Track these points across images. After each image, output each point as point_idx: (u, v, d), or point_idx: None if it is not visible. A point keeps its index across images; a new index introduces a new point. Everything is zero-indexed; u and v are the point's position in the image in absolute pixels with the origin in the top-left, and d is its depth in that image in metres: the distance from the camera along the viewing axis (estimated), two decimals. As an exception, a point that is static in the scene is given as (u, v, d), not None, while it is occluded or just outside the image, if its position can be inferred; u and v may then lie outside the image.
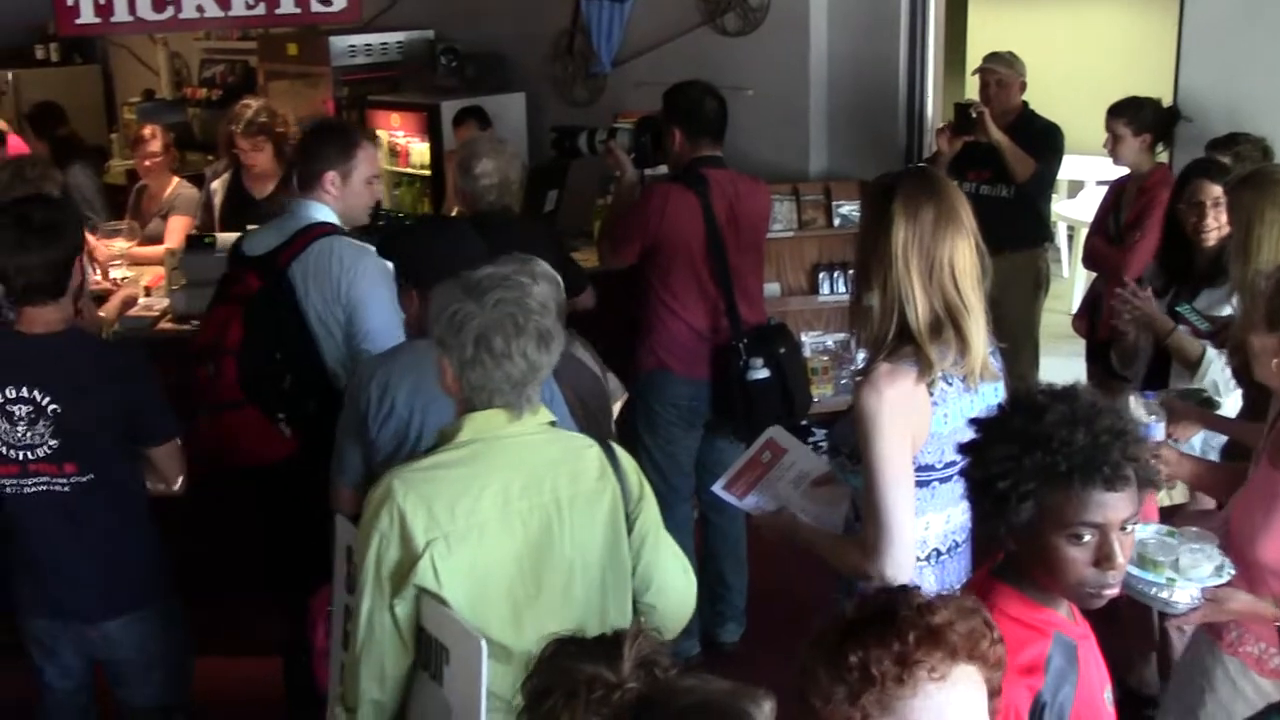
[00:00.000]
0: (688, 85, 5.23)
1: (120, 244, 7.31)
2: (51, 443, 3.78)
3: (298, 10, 7.52)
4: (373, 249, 4.30)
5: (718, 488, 3.71)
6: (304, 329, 4.40)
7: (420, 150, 7.88)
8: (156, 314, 6.33)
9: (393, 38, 8.53)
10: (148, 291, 6.65)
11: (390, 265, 4.00)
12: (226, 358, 4.52)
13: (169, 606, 4.12)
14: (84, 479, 3.83)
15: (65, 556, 3.96)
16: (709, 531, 5.46)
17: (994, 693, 1.96)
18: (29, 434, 3.76)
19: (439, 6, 8.72)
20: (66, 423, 3.77)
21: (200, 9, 7.41)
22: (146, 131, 7.63)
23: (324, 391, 4.29)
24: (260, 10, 7.49)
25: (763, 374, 5.06)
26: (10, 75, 11.38)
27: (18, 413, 3.74)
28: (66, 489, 3.83)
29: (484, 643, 2.67)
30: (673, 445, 5.27)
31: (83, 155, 8.81)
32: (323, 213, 4.50)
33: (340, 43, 8.25)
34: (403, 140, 8.03)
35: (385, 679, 2.89)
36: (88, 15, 7.35)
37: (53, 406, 3.74)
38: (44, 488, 3.82)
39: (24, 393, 3.74)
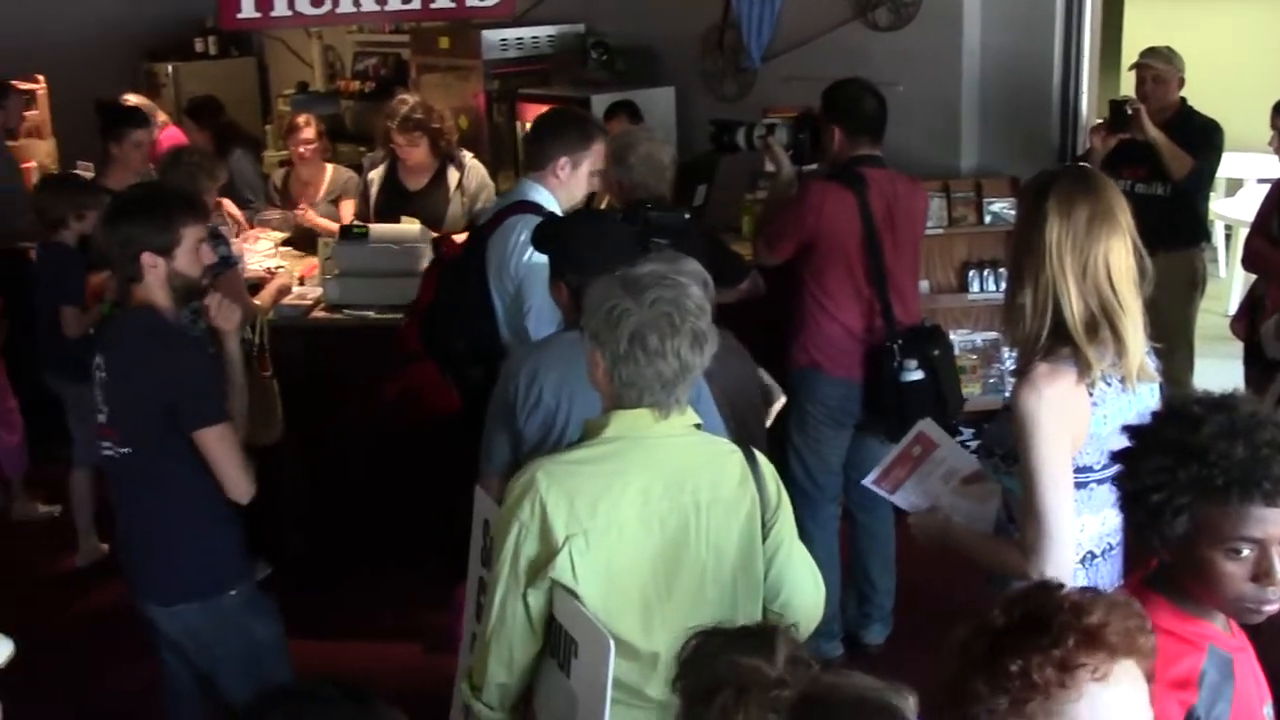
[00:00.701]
0: (847, 83, 5.20)
1: (275, 234, 7.50)
2: (104, 409, 3.99)
3: (452, 5, 7.57)
4: None
5: (868, 481, 3.71)
6: (484, 297, 4.58)
7: (569, 143, 7.91)
8: (310, 303, 6.46)
9: (543, 31, 8.58)
10: (301, 280, 6.79)
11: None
12: (417, 312, 4.85)
13: (228, 601, 4.08)
14: (125, 451, 3.97)
15: (124, 526, 4.16)
16: (856, 531, 5.44)
17: (1149, 679, 1.95)
18: (100, 397, 4.00)
19: (591, 1, 8.76)
20: (112, 393, 3.96)
21: (357, 3, 7.49)
22: (301, 119, 7.82)
23: (493, 361, 4.33)
24: (415, 5, 7.56)
25: (916, 375, 5.02)
26: (170, 68, 11.65)
27: (97, 377, 4.01)
28: (116, 457, 4.01)
29: (612, 643, 2.70)
30: (821, 445, 5.25)
31: (243, 143, 9.06)
32: (539, 194, 4.66)
33: (492, 36, 8.31)
34: (553, 134, 8.07)
35: (513, 665, 2.93)
36: (248, 10, 7.49)
37: (103, 375, 3.97)
38: (109, 453, 4.03)
39: (99, 358, 4.01)
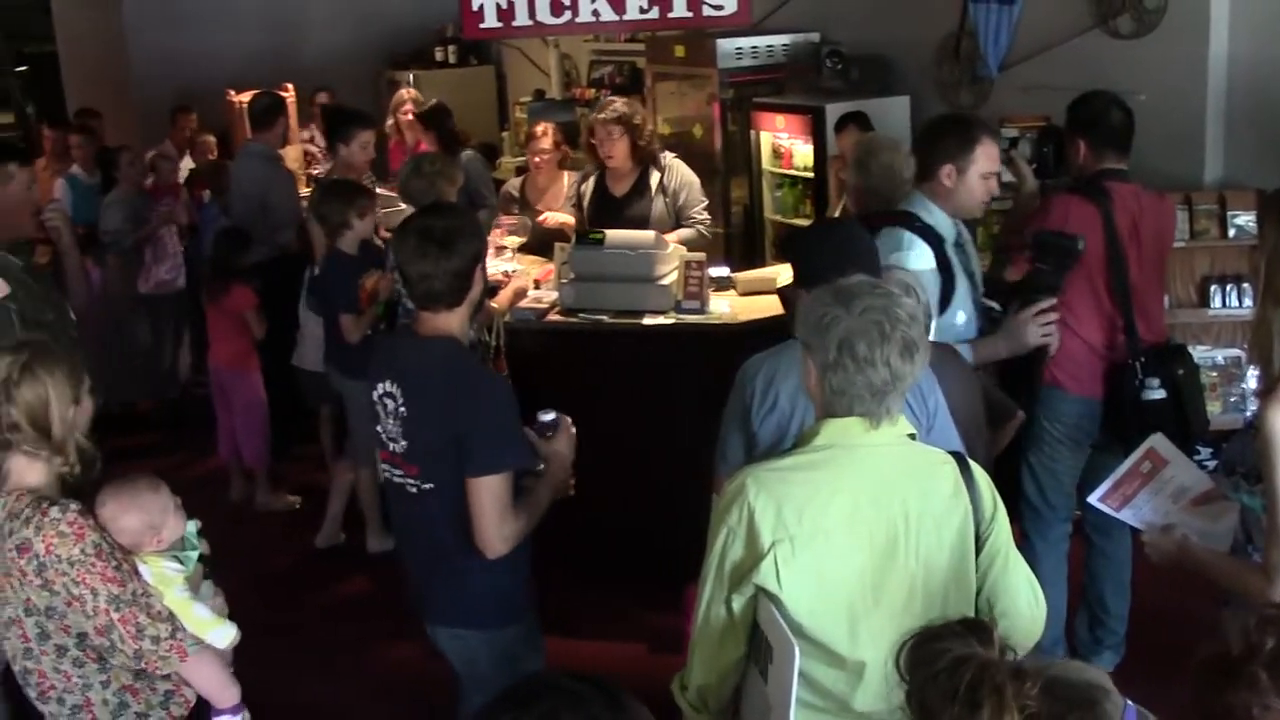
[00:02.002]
0: (1093, 95, 5.10)
1: (513, 239, 7.67)
2: (402, 442, 3.89)
3: (689, 14, 7.66)
4: (922, 248, 4.46)
5: (1094, 498, 3.65)
6: None
7: (804, 152, 7.94)
8: (545, 306, 6.58)
9: (778, 40, 8.61)
10: (537, 284, 6.93)
11: None
12: None
13: (510, 634, 4.04)
14: (425, 485, 3.87)
15: (411, 551, 4.10)
16: (1091, 554, 5.32)
17: None
18: (395, 428, 3.90)
19: (825, 9, 8.77)
20: (412, 426, 3.86)
21: (596, 13, 7.66)
22: (539, 129, 7.98)
23: None
24: (653, 14, 7.68)
25: (1158, 395, 4.89)
26: (411, 76, 12.04)
27: (388, 406, 3.91)
28: (414, 491, 3.90)
29: (797, 649, 2.70)
30: (1056, 463, 5.15)
31: (469, 146, 9.31)
32: (920, 204, 4.65)
33: (727, 45, 8.37)
34: (786, 142, 8.12)
35: (715, 667, 2.96)
36: (491, 20, 7.73)
37: (403, 408, 3.86)
38: (403, 483, 3.93)
39: (391, 388, 3.90)
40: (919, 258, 4.46)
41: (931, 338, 3.63)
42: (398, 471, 3.94)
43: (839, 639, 2.84)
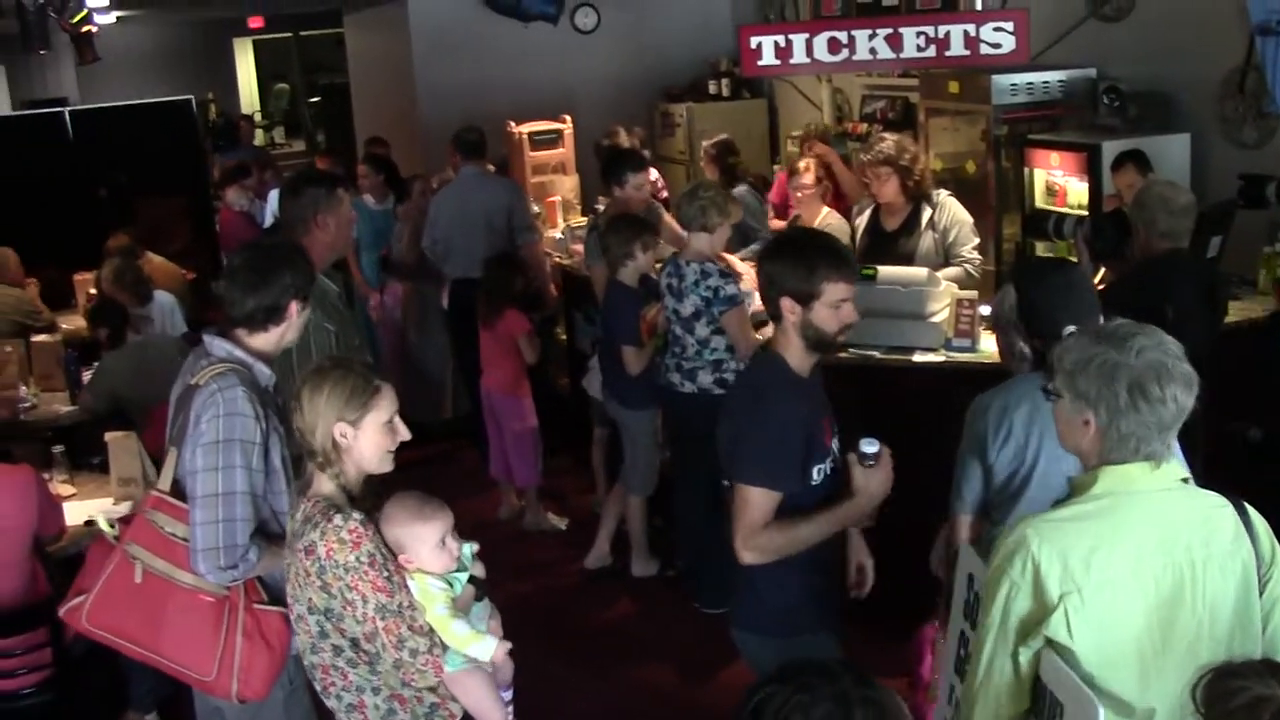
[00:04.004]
0: None
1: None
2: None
3: (966, 52, 7.66)
4: None
5: None
6: None
7: (1078, 190, 7.84)
8: (826, 339, 6.67)
9: (1054, 76, 8.50)
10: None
11: None
12: None
13: (796, 645, 4.01)
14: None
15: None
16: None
17: None
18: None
19: (1103, 45, 8.63)
20: (723, 435, 4.08)
21: (873, 51, 7.73)
22: (801, 164, 8.11)
23: None
24: (930, 53, 7.71)
25: None
26: (684, 109, 12.30)
27: None
28: None
29: (1101, 710, 2.69)
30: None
31: (745, 180, 9.49)
32: None
33: (1002, 81, 8.31)
34: (1060, 179, 8.02)
35: None
36: (769, 58, 7.87)
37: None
38: None
39: None
40: None
41: None
42: None
43: (1129, 688, 2.84)
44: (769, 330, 6.49)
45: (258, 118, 25.93)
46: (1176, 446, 3.08)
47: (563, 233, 9.93)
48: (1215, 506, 2.96)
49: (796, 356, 4.03)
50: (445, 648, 3.54)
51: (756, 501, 3.89)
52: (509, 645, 3.68)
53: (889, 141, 7.15)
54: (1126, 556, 2.84)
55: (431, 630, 3.53)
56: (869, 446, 3.97)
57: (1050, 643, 2.84)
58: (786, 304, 3.95)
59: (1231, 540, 2.92)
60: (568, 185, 10.91)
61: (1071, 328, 4.00)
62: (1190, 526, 2.90)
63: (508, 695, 3.80)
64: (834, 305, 3.95)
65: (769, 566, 3.96)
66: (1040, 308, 4.03)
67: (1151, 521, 2.88)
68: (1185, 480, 2.99)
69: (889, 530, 5.82)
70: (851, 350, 6.40)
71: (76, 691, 5.32)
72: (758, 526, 3.89)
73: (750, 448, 3.94)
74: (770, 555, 3.93)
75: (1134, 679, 2.84)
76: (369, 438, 3.60)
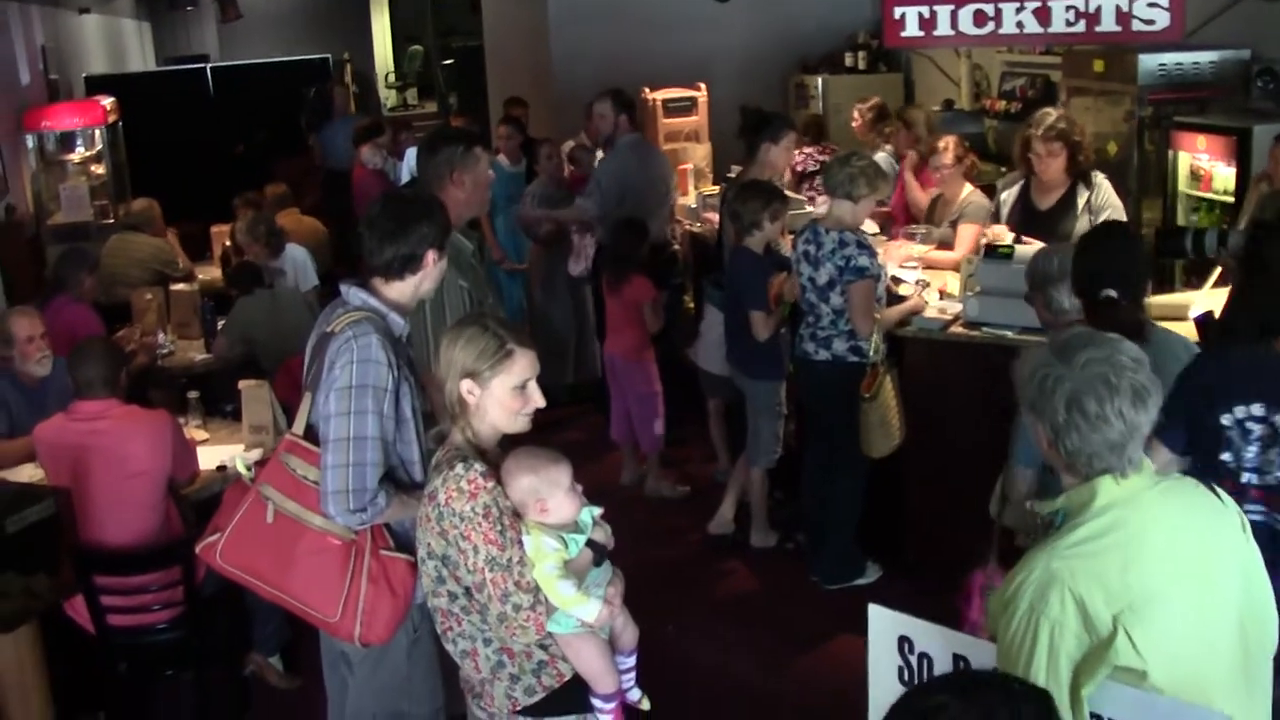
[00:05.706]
0: None
1: (919, 247, 7.70)
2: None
3: (1118, 28, 7.45)
4: None
5: None
6: None
7: (1225, 175, 7.62)
8: (949, 318, 6.59)
9: (1205, 56, 8.25)
10: (940, 295, 6.95)
11: None
12: None
13: None
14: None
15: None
16: None
17: None
18: (1259, 456, 3.84)
19: (1260, 24, 8.37)
20: None
21: (1020, 25, 7.58)
22: (941, 144, 7.98)
23: None
24: (1080, 28, 7.51)
25: None
26: (820, 80, 12.22)
27: (1254, 432, 3.85)
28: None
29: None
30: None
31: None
32: None
33: (1149, 60, 8.09)
34: (1206, 164, 7.80)
35: None
36: (912, 29, 7.76)
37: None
38: (1259, 519, 3.75)
39: (1257, 410, 3.85)
40: None
41: None
42: (1255, 507, 3.81)
43: (1196, 693, 2.69)
44: (892, 311, 6.50)
45: (391, 78, 26.19)
46: None
47: (695, 201, 9.90)
48: (1203, 491, 2.91)
49: None
50: (553, 607, 3.54)
51: None
52: (617, 611, 3.67)
53: (1060, 115, 6.99)
54: (1154, 561, 2.73)
55: (536, 588, 3.52)
56: None
57: (1117, 672, 2.66)
58: None
59: (1229, 512, 2.90)
60: (700, 153, 10.89)
61: (1111, 291, 4.07)
62: (1197, 515, 2.86)
63: (630, 661, 3.79)
64: None
65: None
66: (1083, 266, 4.10)
67: (1159, 522, 2.78)
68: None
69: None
70: (985, 329, 6.33)
71: (205, 630, 5.44)
72: None
73: None
74: None
75: (1202, 686, 2.72)
76: (496, 398, 3.64)
